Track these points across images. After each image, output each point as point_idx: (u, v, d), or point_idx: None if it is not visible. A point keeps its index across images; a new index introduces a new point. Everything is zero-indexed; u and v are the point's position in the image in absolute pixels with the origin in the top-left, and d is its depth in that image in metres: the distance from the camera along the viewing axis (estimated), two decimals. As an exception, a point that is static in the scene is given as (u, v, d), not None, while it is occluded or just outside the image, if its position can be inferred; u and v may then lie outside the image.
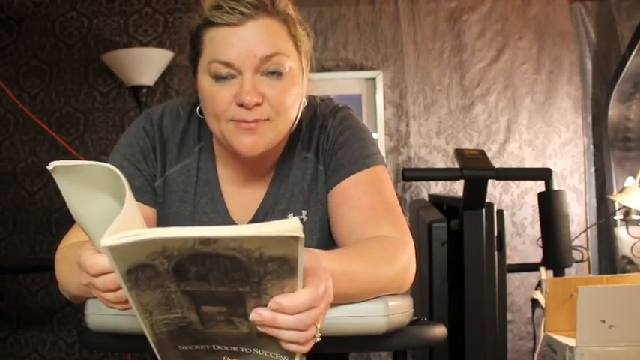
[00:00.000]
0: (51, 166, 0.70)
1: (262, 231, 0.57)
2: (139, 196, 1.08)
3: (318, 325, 0.70)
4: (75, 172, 0.71)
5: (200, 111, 1.09)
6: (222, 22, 0.98)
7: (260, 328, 0.68)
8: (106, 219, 0.66)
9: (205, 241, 0.58)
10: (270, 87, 1.00)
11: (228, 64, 0.98)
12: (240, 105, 0.99)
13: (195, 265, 0.61)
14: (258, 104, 0.99)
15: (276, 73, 1.00)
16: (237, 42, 0.98)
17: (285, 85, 1.01)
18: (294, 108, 1.05)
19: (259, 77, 1.00)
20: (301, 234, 0.58)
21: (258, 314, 0.66)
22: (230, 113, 1.01)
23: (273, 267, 0.61)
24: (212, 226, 0.57)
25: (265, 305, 0.66)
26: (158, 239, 0.58)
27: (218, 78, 1.00)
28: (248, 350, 0.73)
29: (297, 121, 1.09)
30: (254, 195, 1.13)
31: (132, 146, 1.11)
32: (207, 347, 0.73)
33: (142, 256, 0.60)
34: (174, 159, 1.13)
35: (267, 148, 1.05)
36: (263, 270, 0.61)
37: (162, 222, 1.12)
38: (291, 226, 0.57)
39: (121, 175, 0.68)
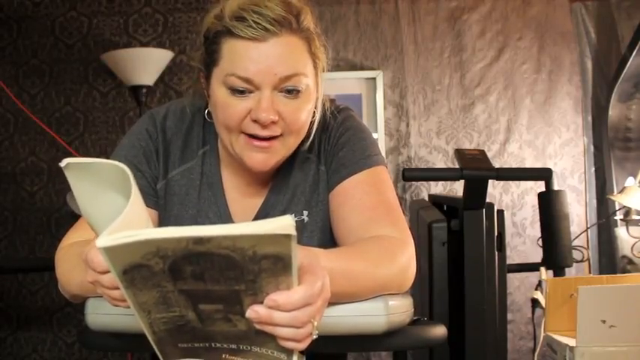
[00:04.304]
0: (63, 163, 0.71)
1: (254, 229, 0.57)
2: None
3: (315, 323, 0.70)
4: (86, 169, 0.72)
5: (209, 115, 1.09)
6: (244, 35, 0.96)
7: (257, 326, 0.68)
8: (113, 216, 0.66)
9: (198, 240, 0.58)
10: (285, 105, 0.99)
11: (246, 80, 0.97)
12: (255, 121, 0.99)
13: (190, 264, 0.61)
14: (273, 122, 0.99)
15: (294, 92, 0.99)
16: (258, 58, 0.96)
17: (300, 104, 1.01)
18: (307, 124, 1.05)
19: (276, 94, 0.99)
20: (293, 232, 0.58)
21: (255, 311, 0.66)
22: (243, 127, 1.00)
23: (268, 265, 0.61)
24: (205, 226, 0.57)
25: (262, 303, 0.66)
26: (152, 240, 0.58)
27: (234, 91, 0.99)
28: (247, 348, 0.73)
29: (311, 136, 1.09)
30: (257, 198, 1.13)
31: (134, 148, 1.11)
32: (207, 345, 0.73)
33: (137, 257, 0.60)
34: (177, 161, 1.12)
35: (278, 163, 1.06)
36: (257, 268, 0.61)
37: (163, 225, 1.11)
38: (282, 224, 0.57)
39: (130, 174, 0.69)
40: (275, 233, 0.57)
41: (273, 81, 0.97)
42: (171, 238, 0.58)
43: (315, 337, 0.71)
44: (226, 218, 1.12)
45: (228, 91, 0.99)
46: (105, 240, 0.57)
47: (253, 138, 1.01)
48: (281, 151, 1.03)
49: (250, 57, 0.96)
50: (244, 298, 0.65)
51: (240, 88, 0.98)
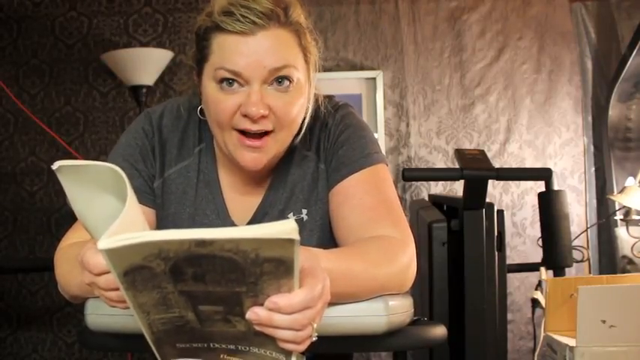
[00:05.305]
0: (55, 165, 0.70)
1: (258, 233, 0.57)
2: (137, 197, 1.08)
3: (315, 325, 0.70)
4: (79, 171, 0.71)
5: (202, 112, 1.09)
6: (232, 29, 0.96)
7: (257, 327, 0.68)
8: (108, 218, 0.66)
9: (201, 243, 0.58)
10: (276, 99, 0.99)
11: (236, 73, 0.97)
12: (245, 116, 0.98)
13: (191, 266, 0.61)
14: (264, 116, 0.98)
15: (284, 85, 0.99)
16: (247, 51, 0.96)
17: (291, 97, 1.00)
18: (298, 119, 1.05)
19: (266, 88, 0.99)
20: (297, 236, 0.58)
21: (255, 313, 0.66)
22: (234, 122, 1.00)
23: (270, 268, 0.61)
24: (208, 229, 0.57)
25: (262, 304, 0.66)
26: (154, 242, 0.57)
27: (224, 86, 0.99)
28: (245, 348, 0.73)
29: (302, 131, 1.08)
30: (254, 196, 1.13)
31: (130, 146, 1.11)
32: (205, 345, 0.73)
33: (139, 259, 0.60)
34: (173, 159, 1.12)
35: (271, 160, 1.05)
36: (259, 271, 0.61)
37: (160, 223, 1.12)
38: (286, 228, 0.57)
39: (124, 176, 0.69)
40: (278, 238, 0.57)
41: (262, 74, 0.97)
42: (174, 240, 0.57)
43: (314, 339, 0.71)
44: (224, 216, 1.12)
45: (217, 86, 0.99)
46: (107, 242, 0.57)
47: (245, 136, 1.00)
48: (273, 147, 1.03)
49: (239, 51, 0.96)
50: (245, 300, 0.65)
51: (229, 77, 0.97)
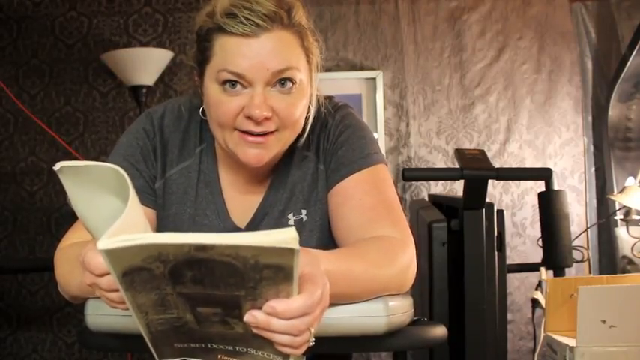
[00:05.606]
0: (57, 166, 0.70)
1: (258, 241, 0.57)
2: (138, 197, 1.08)
3: (312, 330, 0.69)
4: (81, 172, 0.71)
5: (203, 112, 1.09)
6: (235, 31, 0.96)
7: (254, 330, 0.68)
8: (110, 219, 0.66)
9: (201, 247, 0.58)
10: (279, 100, 0.99)
11: (238, 75, 0.97)
12: (249, 118, 0.98)
13: (190, 269, 0.61)
14: (267, 118, 0.98)
15: (287, 87, 0.99)
16: (250, 54, 0.96)
17: (294, 99, 1.00)
18: (301, 120, 1.05)
19: (269, 90, 0.98)
20: (297, 245, 0.57)
21: (253, 316, 0.66)
22: (237, 124, 1.00)
23: (269, 274, 0.61)
24: (208, 233, 0.57)
25: (261, 308, 0.66)
26: (154, 244, 0.58)
27: (227, 88, 0.98)
28: (243, 350, 0.73)
29: (305, 132, 1.08)
30: (255, 196, 1.13)
31: (132, 147, 1.11)
32: (203, 346, 0.73)
33: (138, 260, 0.60)
34: (174, 160, 1.12)
35: (273, 158, 1.05)
36: (259, 276, 0.61)
37: (161, 224, 1.12)
38: (286, 237, 0.57)
39: (127, 177, 0.69)
40: (278, 246, 0.57)
41: (265, 76, 0.97)
42: (174, 244, 0.57)
43: (311, 343, 0.71)
44: (224, 217, 1.12)
45: (220, 88, 0.99)
46: (106, 242, 0.57)
47: (247, 134, 1.00)
48: (276, 146, 1.03)
49: (242, 53, 0.96)
50: (243, 303, 0.65)
51: (232, 79, 0.97)
